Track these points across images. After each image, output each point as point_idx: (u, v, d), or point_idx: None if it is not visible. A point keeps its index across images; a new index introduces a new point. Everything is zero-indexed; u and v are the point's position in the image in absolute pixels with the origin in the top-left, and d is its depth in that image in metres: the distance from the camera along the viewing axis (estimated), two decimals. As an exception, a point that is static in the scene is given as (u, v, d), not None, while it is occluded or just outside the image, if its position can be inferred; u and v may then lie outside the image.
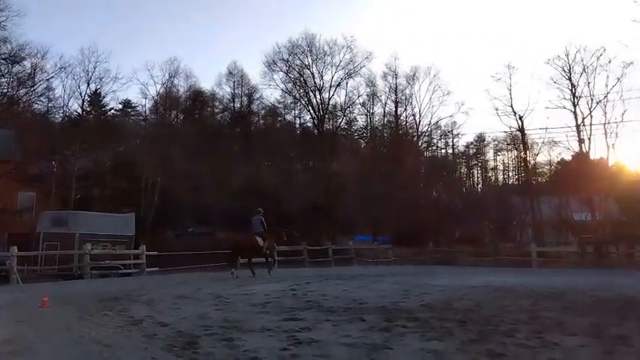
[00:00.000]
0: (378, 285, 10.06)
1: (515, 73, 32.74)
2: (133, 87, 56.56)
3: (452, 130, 44.96)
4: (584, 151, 29.62)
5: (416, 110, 41.12)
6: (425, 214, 34.00)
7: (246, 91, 45.20)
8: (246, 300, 7.68)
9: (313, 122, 41.59)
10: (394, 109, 42.21)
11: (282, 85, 40.49)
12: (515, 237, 34.22)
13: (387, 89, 42.07)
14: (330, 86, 39.24)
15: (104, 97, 38.25)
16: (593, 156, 30.33)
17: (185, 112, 45.83)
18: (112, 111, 43.03)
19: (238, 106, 46.16)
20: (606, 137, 28.61)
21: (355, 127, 46.27)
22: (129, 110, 44.69)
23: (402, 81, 41.35)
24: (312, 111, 40.52)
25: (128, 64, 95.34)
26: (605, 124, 28.54)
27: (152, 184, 32.55)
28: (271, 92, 52.14)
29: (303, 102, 40.93)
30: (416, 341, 4.54)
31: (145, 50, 76.92)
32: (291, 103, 42.46)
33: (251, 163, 36.65)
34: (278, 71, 40.00)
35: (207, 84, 70.00)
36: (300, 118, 44.67)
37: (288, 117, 44.89)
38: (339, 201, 35.68)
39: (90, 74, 32.70)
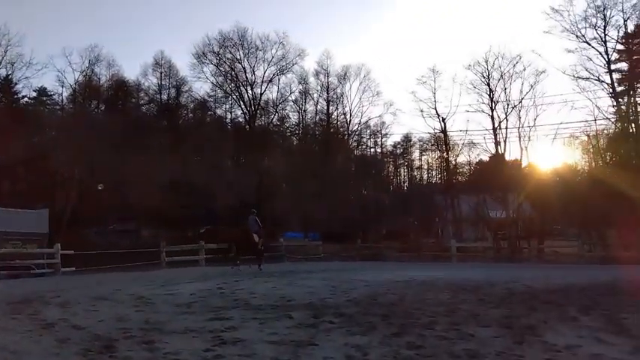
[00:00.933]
0: (307, 282, 10.12)
1: (439, 77, 34.36)
2: (49, 74, 52.34)
3: (381, 130, 46.27)
4: (500, 152, 31.75)
5: (347, 109, 41.90)
6: (354, 211, 34.75)
7: (174, 83, 43.52)
8: (170, 300, 7.41)
9: (245, 118, 41.07)
10: (326, 108, 42.68)
11: (212, 79, 39.59)
12: (438, 233, 35.93)
13: (319, 87, 42.47)
14: (262, 82, 38.94)
15: (16, 83, 35.43)
16: (508, 157, 32.63)
17: (107, 103, 43.31)
18: (25, 99, 39.82)
19: (165, 98, 44.34)
20: (520, 140, 30.90)
21: (287, 124, 46.23)
22: (44, 99, 41.46)
23: (333, 80, 41.92)
24: (243, 106, 40.00)
25: (43, 49, 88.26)
26: (519, 128, 30.79)
27: (69, 179, 30.49)
28: (201, 85, 50.80)
29: (235, 96, 40.29)
30: (341, 336, 4.62)
31: (63, 35, 71.64)
32: (222, 97, 41.63)
33: (179, 158, 35.39)
34: (208, 64, 39.05)
35: (131, 74, 65.91)
36: (231, 112, 43.91)
37: (219, 111, 43.97)
38: (270, 198, 35.49)
39: (0, 58, 30.02)
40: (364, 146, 48.74)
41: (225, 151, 39.50)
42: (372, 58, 78.48)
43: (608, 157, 31.59)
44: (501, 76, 31.56)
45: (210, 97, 41.63)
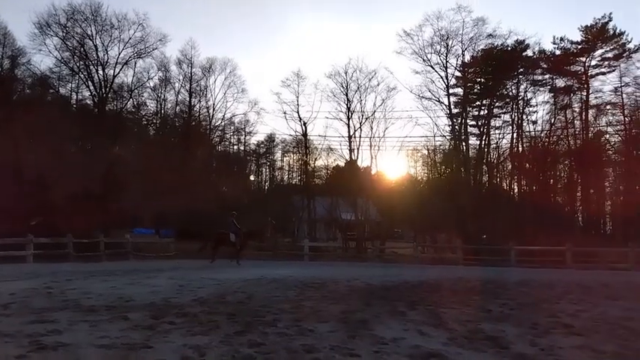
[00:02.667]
0: (153, 280, 9.57)
1: (303, 82, 35.44)
2: None
3: (245, 128, 45.95)
4: (354, 159, 33.95)
5: (210, 103, 40.71)
6: (213, 208, 33.90)
7: (10, 53, 37.67)
8: (-20, 302, 6.37)
9: (93, 100, 37.23)
10: (188, 99, 40.93)
11: (56, 53, 35.12)
12: (294, 232, 36.96)
13: (181, 77, 40.44)
14: (117, 63, 35.73)
15: None
16: (360, 164, 35.03)
17: None
18: None
19: (-2, 68, 38.17)
20: (371, 149, 33.40)
21: (144, 112, 43.24)
22: None
23: (197, 71, 40.29)
24: (92, 87, 36.22)
25: None
26: (371, 137, 33.27)
27: None
28: (42, 59, 44.96)
29: (83, 76, 36.29)
30: (180, 337, 4.43)
31: None
32: (68, 75, 37.17)
33: (9, 139, 30.72)
34: (52, 36, 34.57)
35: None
36: (77, 93, 39.40)
37: (63, 90, 39.15)
38: (119, 190, 32.77)
39: None
40: (227, 143, 47.98)
41: (68, 134, 35.37)
42: (240, 55, 77.63)
43: (442, 170, 35.91)
44: (358, 88, 33.83)
45: (53, 73, 36.91)
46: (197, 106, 41.39)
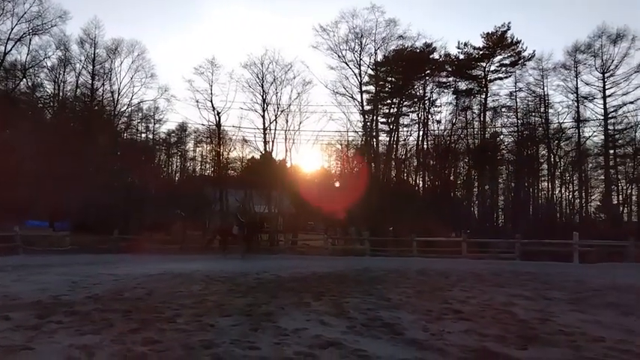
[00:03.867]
0: (42, 277, 8.82)
1: (217, 70, 34.54)
2: None
3: (154, 115, 43.80)
4: (268, 151, 33.81)
5: (115, 87, 38.20)
6: (117, 199, 31.96)
7: None
8: None
9: (-21, 78, 33.47)
10: (90, 82, 38.08)
11: None
12: (205, 225, 36.01)
13: (82, 58, 37.54)
14: (8, 39, 32.39)
15: None
16: (276, 157, 34.97)
17: None
18: None
19: None
20: (286, 142, 33.45)
21: (40, 95, 39.54)
22: None
23: (101, 52, 37.63)
24: (-22, 64, 32.54)
25: None
26: (286, 130, 33.33)
27: None
28: None
29: (-33, 50, 32.46)
30: (67, 337, 4.12)
31: None
32: (-52, 48, 33.02)
33: None
34: None
35: None
36: (-39, 69, 35.15)
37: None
38: (7, 177, 29.71)
39: None
40: (134, 130, 45.38)
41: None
42: (149, 38, 73.69)
43: (354, 165, 37.00)
44: (274, 80, 33.66)
45: None
46: (100, 90, 38.70)
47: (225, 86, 37.20)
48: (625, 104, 32.50)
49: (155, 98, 40.41)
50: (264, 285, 8.26)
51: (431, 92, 36.88)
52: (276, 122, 33.59)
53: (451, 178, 37.49)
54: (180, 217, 37.01)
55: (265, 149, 33.96)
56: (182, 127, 46.39)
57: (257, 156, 36.87)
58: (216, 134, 35.82)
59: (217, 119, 34.49)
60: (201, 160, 53.65)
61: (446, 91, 37.22)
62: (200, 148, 50.41)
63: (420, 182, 38.72)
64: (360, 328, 4.78)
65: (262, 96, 33.72)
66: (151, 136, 48.53)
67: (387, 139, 37.36)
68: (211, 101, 34.12)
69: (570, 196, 35.37)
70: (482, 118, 36.20)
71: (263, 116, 33.62)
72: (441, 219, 29.11)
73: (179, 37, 69.02)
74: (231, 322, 4.96)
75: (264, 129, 33.48)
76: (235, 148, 37.39)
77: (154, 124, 45.83)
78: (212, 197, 35.32)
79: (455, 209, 33.82)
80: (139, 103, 39.74)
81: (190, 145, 50.75)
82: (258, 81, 33.80)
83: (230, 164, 38.51)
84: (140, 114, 42.92)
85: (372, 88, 36.79)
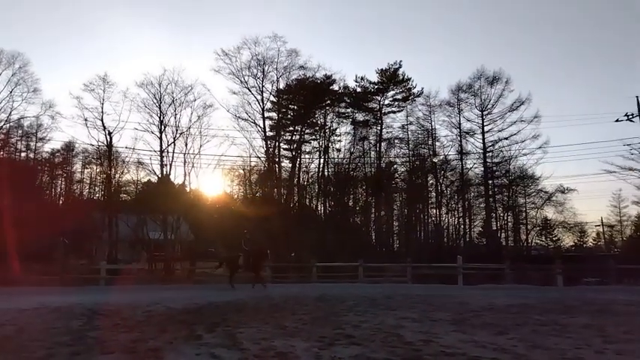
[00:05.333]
0: None
1: (109, 88, 32.53)
2: None
3: (36, 133, 40.04)
4: (166, 174, 32.40)
5: (-9, 101, 34.33)
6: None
7: None
8: None
9: None
10: (-40, 94, 33.85)
11: None
12: (92, 253, 33.25)
13: (-50, 67, 33.39)
14: None
15: None
16: (174, 180, 33.58)
17: None
18: None
19: None
20: (185, 165, 32.33)
21: None
22: None
23: (-25, 62, 33.80)
24: None
25: None
26: (185, 153, 32.25)
27: None
28: None
29: None
30: None
31: None
32: None
33: None
34: None
35: None
36: None
37: None
38: None
39: None
40: (12, 148, 40.96)
41: None
42: (34, 50, 67.89)
43: (256, 190, 36.83)
44: (173, 101, 32.59)
45: None
46: (-27, 103, 34.50)
47: (119, 105, 34.81)
48: (500, 140, 36.42)
49: (38, 115, 36.85)
50: (154, 318, 7.79)
51: (331, 122, 38.23)
52: (174, 145, 32.35)
53: (350, 204, 38.81)
54: (63, 245, 33.80)
55: (162, 172, 32.48)
56: (69, 147, 42.91)
57: (153, 179, 35.10)
58: (107, 155, 33.52)
59: (109, 139, 32.35)
60: (89, 182, 49.90)
61: (345, 121, 38.83)
62: (89, 170, 46.93)
63: (321, 208, 39.56)
64: (251, 360, 4.70)
65: (160, 117, 32.36)
66: (32, 156, 44.23)
67: (290, 165, 37.82)
68: (102, 120, 31.99)
69: (456, 222, 38.35)
70: (378, 148, 38.20)
71: (160, 138, 32.21)
72: (341, 243, 29.88)
73: (71, 52, 64.41)
74: (113, 359, 4.61)
75: (162, 151, 32.08)
76: (129, 171, 35.22)
77: (36, 142, 41.91)
78: (101, 223, 32.80)
79: (354, 234, 34.94)
80: (19, 119, 36.10)
81: (78, 167, 47.06)
82: (155, 101, 32.45)
83: (122, 187, 36.15)
84: (20, 131, 39.00)
85: (274, 114, 37.19)
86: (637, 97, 29.87)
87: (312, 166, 38.66)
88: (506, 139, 36.17)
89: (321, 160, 37.83)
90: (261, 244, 18.99)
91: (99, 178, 43.24)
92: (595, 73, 67.17)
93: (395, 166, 39.32)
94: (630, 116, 30.13)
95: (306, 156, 38.99)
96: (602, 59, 65.97)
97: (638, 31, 65.82)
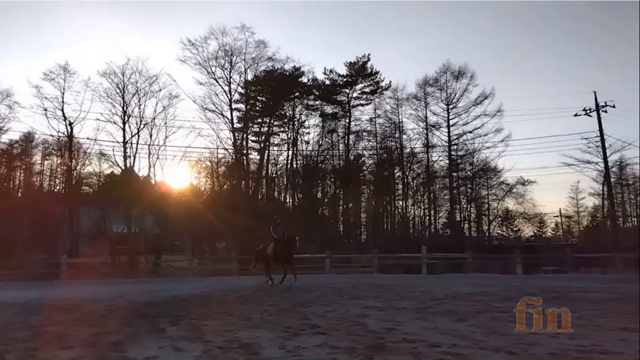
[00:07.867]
0: None
1: (70, 77, 31.42)
2: None
3: (-8, 123, 38.20)
4: (129, 166, 31.64)
5: (-60, 89, 32.59)
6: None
7: None
8: None
9: None
10: None
11: None
12: (53, 247, 32.19)
13: None
14: None
15: None
16: (138, 173, 32.82)
17: None
18: None
19: None
20: (150, 157, 31.65)
21: None
22: None
23: None
24: None
25: None
26: (149, 145, 31.55)
27: None
28: None
29: None
30: None
31: None
32: None
33: None
34: None
35: None
36: None
37: None
38: None
39: None
40: (-35, 139, 39.01)
41: None
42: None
43: (224, 182, 36.44)
44: (137, 91, 31.79)
45: None
46: None
47: (80, 95, 33.67)
48: (465, 133, 37.24)
49: (-5, 105, 35.15)
50: (116, 312, 7.66)
51: (300, 114, 38.16)
52: (138, 136, 31.59)
53: (319, 196, 38.94)
54: (22, 239, 32.59)
55: (126, 164, 31.68)
56: (28, 138, 41.17)
57: (117, 171, 34.20)
58: (68, 146, 32.42)
59: (69, 130, 31.30)
60: (50, 174, 48.20)
61: (313, 113, 38.82)
62: (49, 162, 45.28)
63: (290, 200, 39.53)
64: (215, 352, 4.67)
65: (123, 107, 31.52)
66: (-12, 146, 42.24)
67: (258, 157, 37.59)
68: (62, 110, 30.92)
69: (421, 214, 39.08)
70: (346, 141, 38.41)
71: (123, 129, 31.38)
72: (310, 235, 29.98)
73: (29, 40, 61.62)
74: (72, 354, 4.50)
75: (125, 142, 31.28)
76: (91, 163, 34.20)
77: (-7, 133, 40.01)
78: (61, 216, 31.78)
79: (322, 225, 35.11)
80: (-28, 108, 34.39)
81: (37, 158, 45.32)
82: (118, 91, 31.56)
83: (84, 180, 35.12)
84: (-26, 121, 37.12)
85: (242, 106, 36.78)
86: (594, 92, 31.23)
87: (281, 158, 38.55)
88: (471, 132, 37.01)
89: (290, 153, 37.79)
90: (291, 230, 16.03)
91: (59, 170, 41.78)
92: (556, 69, 69.53)
93: (363, 158, 39.67)
94: (588, 111, 31.40)
95: (275, 148, 38.85)
96: (562, 56, 68.32)
97: (599, 28, 68.40)
